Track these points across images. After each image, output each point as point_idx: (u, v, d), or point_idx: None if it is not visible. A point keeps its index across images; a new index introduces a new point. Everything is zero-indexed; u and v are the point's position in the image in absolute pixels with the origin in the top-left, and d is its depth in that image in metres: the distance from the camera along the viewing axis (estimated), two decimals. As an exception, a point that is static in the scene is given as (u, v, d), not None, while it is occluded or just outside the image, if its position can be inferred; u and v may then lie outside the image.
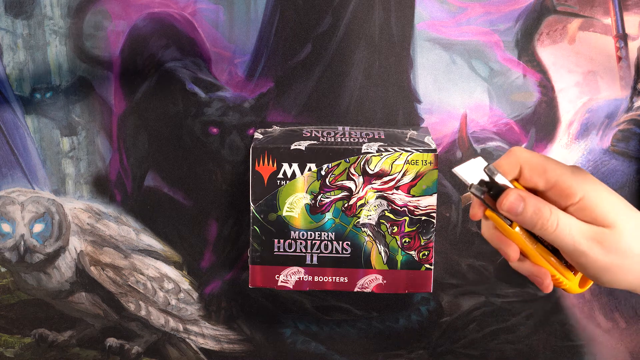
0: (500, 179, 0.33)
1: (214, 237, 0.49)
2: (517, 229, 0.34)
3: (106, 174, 0.48)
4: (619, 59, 0.48)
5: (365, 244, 0.42)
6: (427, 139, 0.43)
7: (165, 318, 0.51)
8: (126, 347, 0.51)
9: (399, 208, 0.41)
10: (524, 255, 0.35)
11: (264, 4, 0.46)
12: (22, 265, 0.49)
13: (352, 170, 0.41)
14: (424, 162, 0.41)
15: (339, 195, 0.41)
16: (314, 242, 0.42)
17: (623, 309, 0.51)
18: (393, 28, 0.47)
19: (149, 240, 0.49)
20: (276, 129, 0.44)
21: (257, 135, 0.43)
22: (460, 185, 0.49)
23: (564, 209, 0.32)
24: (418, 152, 0.41)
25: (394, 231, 0.41)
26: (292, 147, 0.41)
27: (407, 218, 0.42)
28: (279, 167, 0.41)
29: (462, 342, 0.52)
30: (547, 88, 0.48)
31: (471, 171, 0.34)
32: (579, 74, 0.48)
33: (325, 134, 0.43)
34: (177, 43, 0.47)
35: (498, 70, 0.48)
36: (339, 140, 0.42)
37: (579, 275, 0.35)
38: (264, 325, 0.51)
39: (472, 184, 0.34)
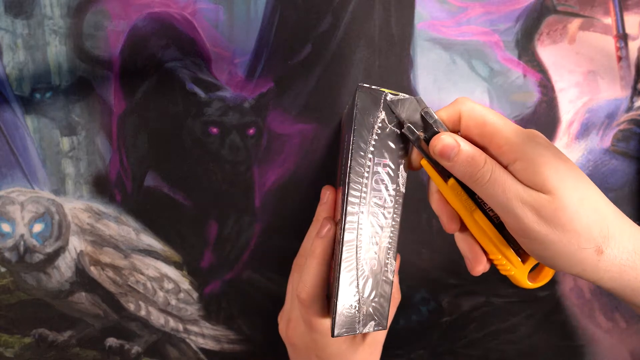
0: (438, 126, 0.31)
1: (214, 237, 0.49)
2: (453, 185, 0.31)
3: (106, 174, 0.48)
4: (619, 59, 0.48)
5: None
6: None
7: (165, 318, 0.50)
8: (126, 347, 0.51)
9: None
10: (464, 226, 0.32)
11: (264, 4, 0.46)
12: (22, 265, 0.49)
13: None
14: None
15: None
16: None
17: (623, 309, 0.51)
18: (393, 28, 0.47)
19: (149, 240, 0.49)
20: None
21: None
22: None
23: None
24: None
25: None
26: None
27: None
28: None
29: (462, 342, 0.52)
30: (547, 88, 0.48)
31: (408, 110, 0.32)
32: (579, 74, 0.48)
33: None
34: (177, 43, 0.47)
35: (498, 70, 0.48)
36: None
37: (529, 264, 0.32)
38: (264, 325, 0.51)
39: (407, 125, 0.31)
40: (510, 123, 0.30)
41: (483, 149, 0.30)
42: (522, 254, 0.32)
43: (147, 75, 0.47)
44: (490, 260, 0.33)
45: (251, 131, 0.47)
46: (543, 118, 0.48)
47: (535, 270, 0.33)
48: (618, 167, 0.49)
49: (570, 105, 0.49)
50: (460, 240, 0.33)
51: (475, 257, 0.32)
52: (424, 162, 0.32)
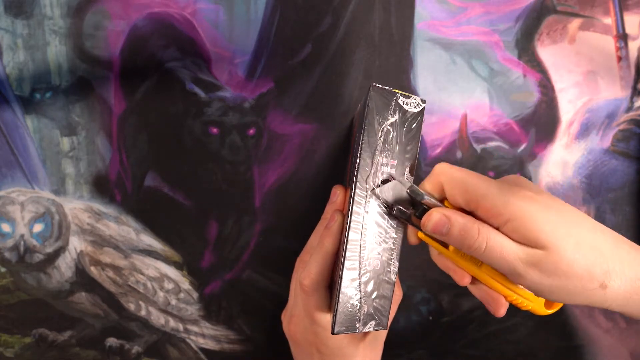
0: (428, 200, 0.31)
1: (214, 237, 0.49)
2: (454, 250, 0.31)
3: (106, 174, 0.48)
4: (619, 59, 0.48)
5: None
6: None
7: (165, 318, 0.50)
8: (126, 347, 0.51)
9: None
10: (475, 278, 0.32)
11: (264, 4, 0.46)
12: (22, 265, 0.49)
13: None
14: None
15: None
16: None
17: (623, 309, 0.51)
18: (393, 28, 0.47)
19: (149, 240, 0.49)
20: None
21: None
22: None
23: (497, 229, 0.30)
24: None
25: None
26: None
27: None
28: None
29: (462, 342, 0.52)
30: (547, 88, 0.48)
31: (394, 192, 0.32)
32: (579, 74, 0.48)
33: None
34: (177, 43, 0.47)
35: (498, 70, 0.48)
36: None
37: None
38: (264, 325, 0.51)
39: (396, 207, 0.32)
40: (492, 183, 0.30)
41: (472, 213, 0.30)
42: None
43: (147, 75, 0.47)
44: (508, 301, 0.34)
45: (251, 131, 0.47)
46: (543, 118, 0.49)
47: None
48: (618, 167, 0.49)
49: (570, 105, 0.49)
50: (475, 290, 0.33)
51: (496, 302, 0.33)
52: (421, 235, 0.33)
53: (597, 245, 0.29)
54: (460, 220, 0.30)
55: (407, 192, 0.32)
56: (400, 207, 0.32)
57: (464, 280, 0.33)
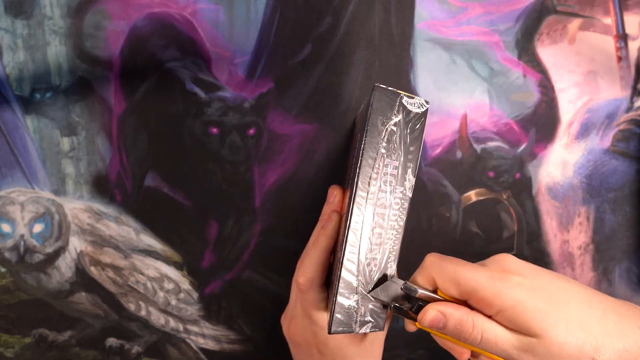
0: (422, 293, 0.32)
1: (214, 237, 0.49)
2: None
3: (106, 174, 0.48)
4: (619, 59, 0.48)
5: None
6: None
7: (165, 318, 0.51)
8: (126, 347, 0.51)
9: None
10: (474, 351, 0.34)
11: (264, 4, 0.46)
12: (22, 266, 0.49)
13: None
14: None
15: None
16: None
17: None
18: (393, 28, 0.47)
19: (149, 240, 0.49)
20: None
21: None
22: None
23: (490, 317, 0.31)
24: None
25: None
26: None
27: None
28: None
29: (462, 342, 0.52)
30: (547, 88, 0.48)
31: (389, 292, 0.34)
32: (579, 74, 0.48)
33: None
34: (177, 43, 0.47)
35: (498, 70, 0.48)
36: None
37: None
38: (264, 325, 0.51)
39: (393, 305, 0.33)
40: (481, 272, 0.31)
41: (465, 302, 0.32)
42: None
43: (147, 75, 0.47)
44: None
45: (251, 131, 0.47)
46: (543, 118, 0.49)
47: None
48: (618, 167, 0.49)
49: (570, 106, 0.49)
50: None
51: None
52: (419, 325, 0.34)
53: (585, 324, 0.31)
54: (455, 314, 0.31)
55: (401, 288, 0.33)
56: (397, 305, 0.33)
57: (463, 357, 0.35)
